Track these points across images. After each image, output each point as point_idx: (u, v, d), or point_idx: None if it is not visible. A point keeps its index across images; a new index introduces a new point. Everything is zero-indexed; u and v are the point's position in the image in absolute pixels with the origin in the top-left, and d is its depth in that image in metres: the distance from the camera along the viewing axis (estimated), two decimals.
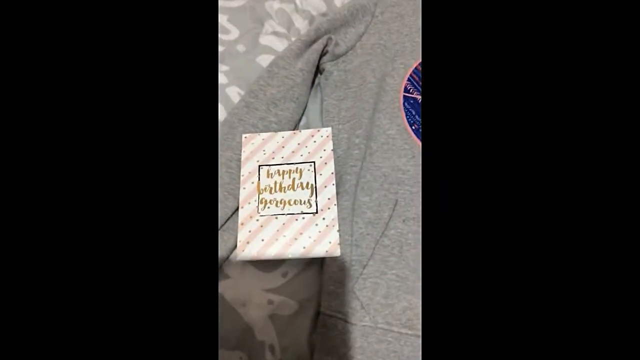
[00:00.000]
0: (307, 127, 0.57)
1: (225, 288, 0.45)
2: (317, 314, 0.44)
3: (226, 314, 0.43)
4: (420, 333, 0.42)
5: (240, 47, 0.61)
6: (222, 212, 0.47)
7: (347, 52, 0.59)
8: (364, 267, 0.45)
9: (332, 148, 0.50)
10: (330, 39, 0.58)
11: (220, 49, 0.61)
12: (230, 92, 0.57)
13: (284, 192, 0.48)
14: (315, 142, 0.50)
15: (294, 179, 0.48)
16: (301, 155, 0.50)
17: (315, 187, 0.48)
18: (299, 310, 0.44)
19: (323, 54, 0.58)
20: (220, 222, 0.46)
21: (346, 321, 0.42)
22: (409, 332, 0.42)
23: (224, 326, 0.43)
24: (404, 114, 0.54)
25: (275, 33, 0.63)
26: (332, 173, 0.48)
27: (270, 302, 0.44)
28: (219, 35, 0.62)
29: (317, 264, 0.46)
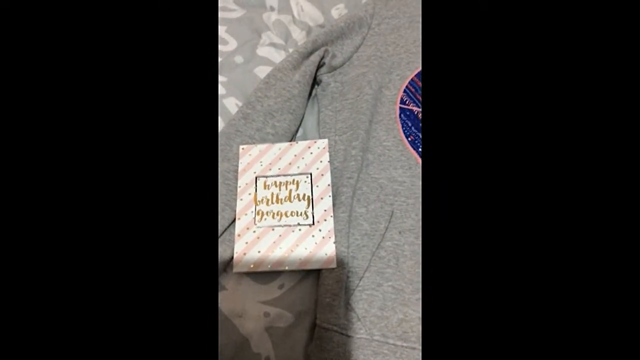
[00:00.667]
0: (304, 138, 0.57)
1: (222, 300, 0.45)
2: (314, 326, 0.44)
3: (222, 325, 0.43)
4: (415, 345, 0.42)
5: (238, 58, 0.61)
6: (219, 224, 0.47)
7: (343, 63, 0.60)
8: (360, 279, 0.45)
9: (328, 160, 0.50)
10: (327, 50, 0.58)
11: (218, 59, 0.61)
12: (227, 103, 0.57)
13: (281, 203, 0.48)
14: (312, 153, 0.51)
15: (290, 190, 0.49)
16: (298, 167, 0.50)
17: (312, 198, 0.48)
18: (295, 323, 0.44)
19: (320, 65, 0.58)
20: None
21: (342, 334, 0.42)
22: (405, 344, 0.42)
23: (220, 338, 0.43)
24: (400, 126, 0.54)
25: (272, 44, 0.63)
26: (329, 185, 0.49)
27: (266, 314, 0.44)
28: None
29: (313, 276, 0.47)
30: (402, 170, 0.51)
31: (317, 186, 0.49)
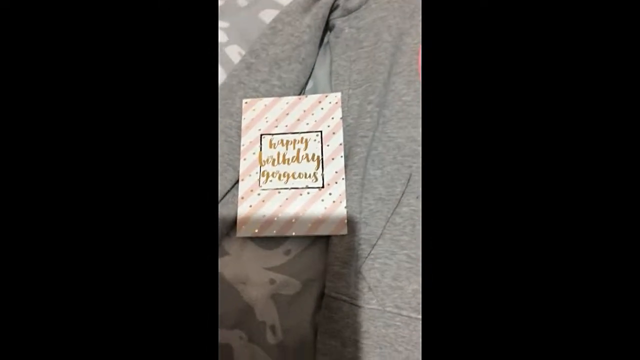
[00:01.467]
0: (314, 91, 0.52)
1: (224, 265, 0.42)
2: (322, 294, 0.41)
3: (225, 292, 0.41)
4: None
5: (241, 1, 0.55)
6: (221, 185, 0.43)
7: (360, 6, 0.52)
8: (373, 247, 0.42)
9: (341, 116, 0.45)
10: None
11: (219, 2, 0.55)
12: (229, 51, 0.52)
13: (288, 164, 0.44)
14: (322, 109, 0.46)
15: (298, 149, 0.44)
16: (307, 124, 0.45)
17: (322, 159, 0.44)
18: (303, 291, 0.42)
19: (333, 8, 0.52)
20: (218, 196, 0.43)
21: (352, 304, 0.39)
22: (419, 316, 0.39)
23: (223, 305, 0.41)
24: (422, 78, 0.48)
25: None
26: (341, 144, 0.44)
27: (272, 281, 0.42)
28: None
29: (321, 242, 0.43)
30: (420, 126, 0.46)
31: (328, 145, 0.44)
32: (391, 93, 0.48)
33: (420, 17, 0.51)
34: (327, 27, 0.53)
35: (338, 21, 0.52)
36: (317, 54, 0.52)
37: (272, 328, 0.41)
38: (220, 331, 0.40)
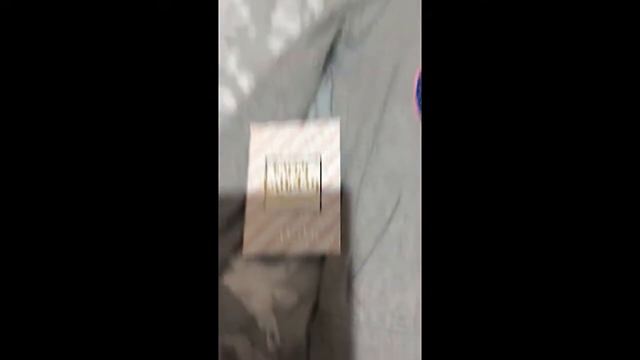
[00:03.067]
0: (316, 117, 0.56)
1: (231, 281, 0.48)
2: (316, 307, 0.46)
3: (232, 304, 0.47)
4: (410, 329, 0.43)
5: (251, 31, 0.59)
6: (229, 209, 0.49)
7: (362, 34, 0.56)
8: (363, 264, 0.46)
9: (339, 143, 0.49)
10: (344, 20, 0.55)
11: (231, 33, 0.59)
12: (240, 81, 0.56)
13: (289, 189, 0.49)
14: (322, 135, 0.50)
15: (299, 175, 0.49)
16: (308, 150, 0.50)
17: (320, 184, 0.48)
18: (299, 303, 0.47)
19: (336, 37, 0.55)
20: (227, 219, 0.48)
21: (341, 317, 0.44)
22: (401, 329, 0.44)
23: (230, 314, 0.47)
24: (415, 102, 0.51)
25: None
26: (338, 170, 0.48)
27: (273, 295, 0.47)
28: None
29: (318, 260, 0.48)
30: (411, 149, 0.49)
31: (327, 171, 0.49)
32: (387, 115, 0.50)
33: (418, 43, 0.54)
34: (330, 55, 0.57)
35: (340, 50, 0.56)
36: (320, 83, 0.55)
37: (272, 335, 0.46)
38: (226, 336, 0.46)
